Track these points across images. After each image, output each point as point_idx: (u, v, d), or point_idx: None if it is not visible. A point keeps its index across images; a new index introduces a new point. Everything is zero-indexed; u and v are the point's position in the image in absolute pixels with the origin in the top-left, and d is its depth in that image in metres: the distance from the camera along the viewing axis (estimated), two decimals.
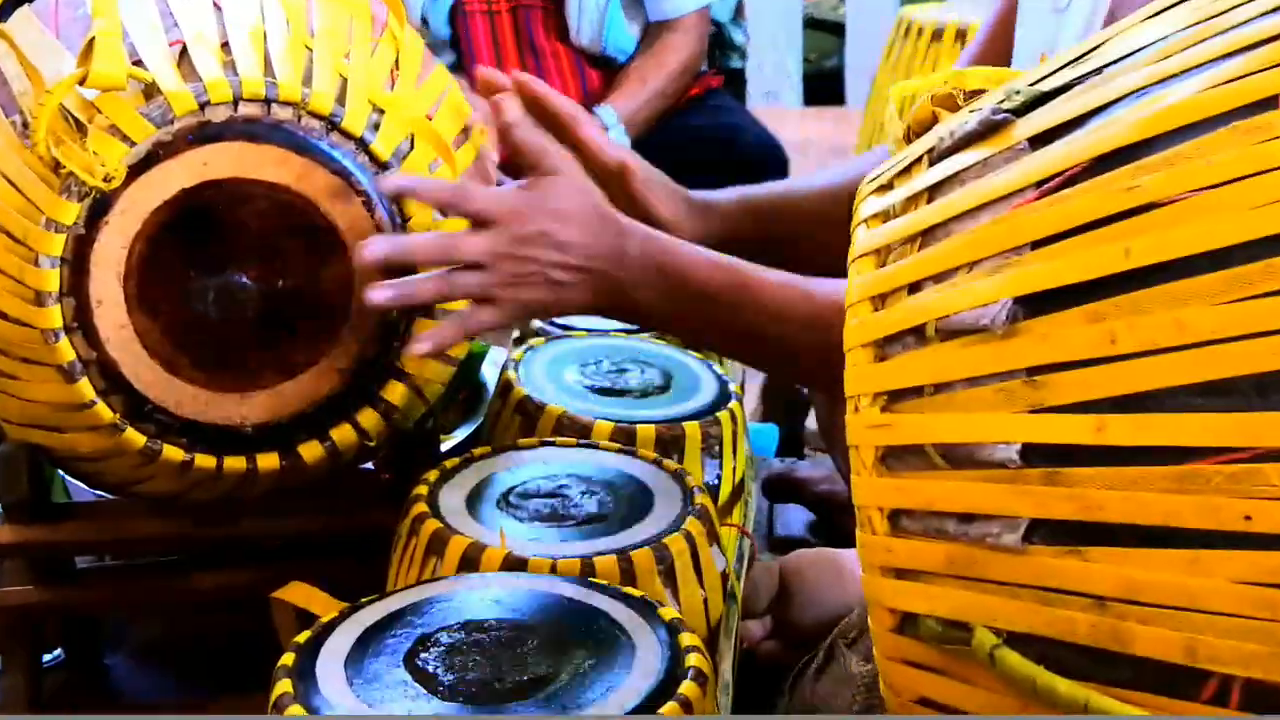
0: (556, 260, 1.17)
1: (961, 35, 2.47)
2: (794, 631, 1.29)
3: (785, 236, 1.45)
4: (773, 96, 4.16)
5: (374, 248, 1.14)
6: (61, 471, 1.33)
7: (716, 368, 1.49)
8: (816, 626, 1.25)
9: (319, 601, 1.06)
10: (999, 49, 1.45)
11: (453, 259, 1.16)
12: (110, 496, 1.32)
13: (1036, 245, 0.68)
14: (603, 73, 2.62)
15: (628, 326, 1.56)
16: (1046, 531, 0.66)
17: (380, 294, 1.14)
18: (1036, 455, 0.66)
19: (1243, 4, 0.67)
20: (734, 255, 1.26)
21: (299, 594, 1.09)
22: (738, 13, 3.13)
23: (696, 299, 1.19)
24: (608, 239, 1.19)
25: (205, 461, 1.18)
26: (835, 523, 1.60)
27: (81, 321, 1.13)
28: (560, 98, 1.41)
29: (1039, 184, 0.69)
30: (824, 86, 4.41)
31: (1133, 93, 0.68)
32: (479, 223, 1.17)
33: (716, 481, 1.36)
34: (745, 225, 1.46)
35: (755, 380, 2.01)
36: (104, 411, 1.15)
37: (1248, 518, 0.61)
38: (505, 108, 1.27)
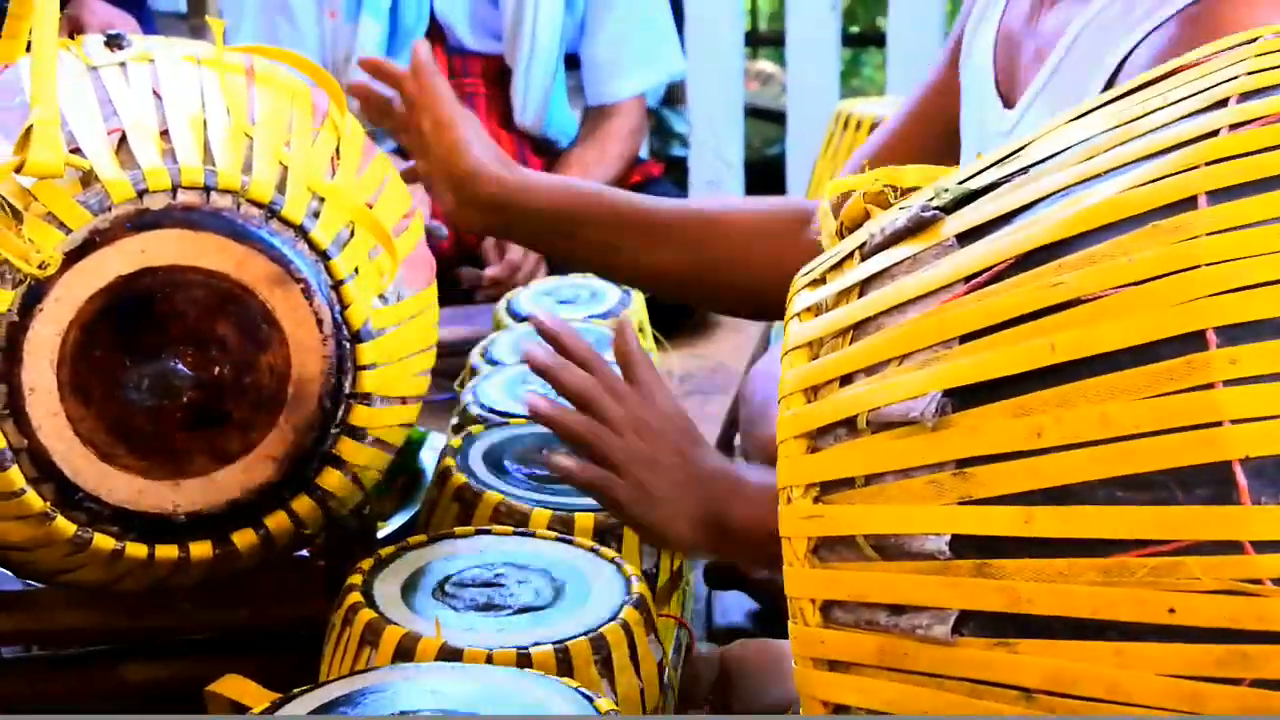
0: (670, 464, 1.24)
1: None
2: None
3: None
4: (714, 184, 4.18)
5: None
6: None
7: None
8: (758, 716, 1.25)
9: (252, 694, 1.05)
10: (911, 146, 1.49)
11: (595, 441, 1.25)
12: (38, 585, 1.31)
13: (965, 339, 0.69)
14: (545, 159, 2.64)
15: None
16: (976, 623, 0.67)
17: (540, 403, 1.25)
18: (966, 547, 0.67)
19: (1160, 109, 0.69)
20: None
21: (233, 687, 1.08)
22: (671, 99, 3.17)
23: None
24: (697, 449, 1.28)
25: (136, 550, 1.17)
26: (777, 609, 1.61)
27: (13, 409, 1.13)
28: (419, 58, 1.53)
29: (967, 279, 0.70)
30: (766, 174, 4.44)
31: (1057, 192, 0.69)
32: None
33: (654, 570, 1.36)
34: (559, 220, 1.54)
35: None
36: (34, 500, 1.14)
37: (1171, 610, 0.62)
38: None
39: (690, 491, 1.23)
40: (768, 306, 1.56)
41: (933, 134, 1.50)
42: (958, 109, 1.45)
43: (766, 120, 4.94)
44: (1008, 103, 1.32)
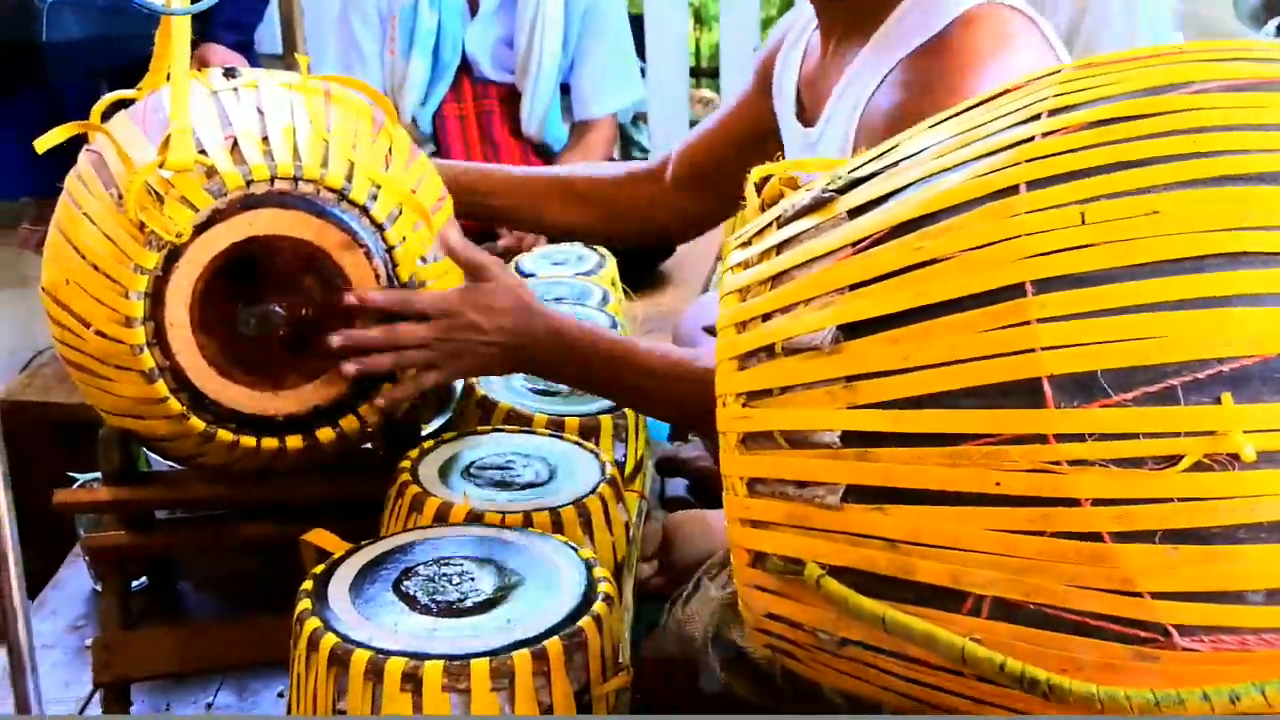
0: (479, 340, 1.17)
1: None
2: (674, 570, 1.29)
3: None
4: None
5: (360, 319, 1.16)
6: (145, 448, 1.31)
7: None
8: (690, 566, 1.24)
9: (332, 543, 1.05)
10: (714, 145, 1.50)
11: (400, 343, 1.16)
12: (179, 467, 1.30)
13: (853, 288, 0.69)
14: (543, 159, 2.62)
15: None
16: (857, 494, 0.67)
17: (349, 366, 1.15)
18: (851, 439, 0.67)
19: (992, 120, 0.69)
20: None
21: (319, 537, 1.08)
22: (638, 118, 3.16)
23: (585, 361, 1.18)
24: (523, 322, 1.18)
25: (248, 442, 1.17)
26: (707, 489, 1.60)
27: (158, 339, 1.12)
28: None
29: (855, 244, 0.70)
30: None
31: (919, 180, 0.69)
32: (425, 318, 1.17)
33: (623, 459, 1.36)
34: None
35: None
36: (174, 405, 1.13)
37: (997, 484, 0.62)
38: (447, 236, 1.24)
39: (506, 340, 1.17)
40: (633, 234, 1.64)
41: (730, 139, 1.49)
42: (756, 124, 1.44)
43: None
44: (808, 123, 1.30)
